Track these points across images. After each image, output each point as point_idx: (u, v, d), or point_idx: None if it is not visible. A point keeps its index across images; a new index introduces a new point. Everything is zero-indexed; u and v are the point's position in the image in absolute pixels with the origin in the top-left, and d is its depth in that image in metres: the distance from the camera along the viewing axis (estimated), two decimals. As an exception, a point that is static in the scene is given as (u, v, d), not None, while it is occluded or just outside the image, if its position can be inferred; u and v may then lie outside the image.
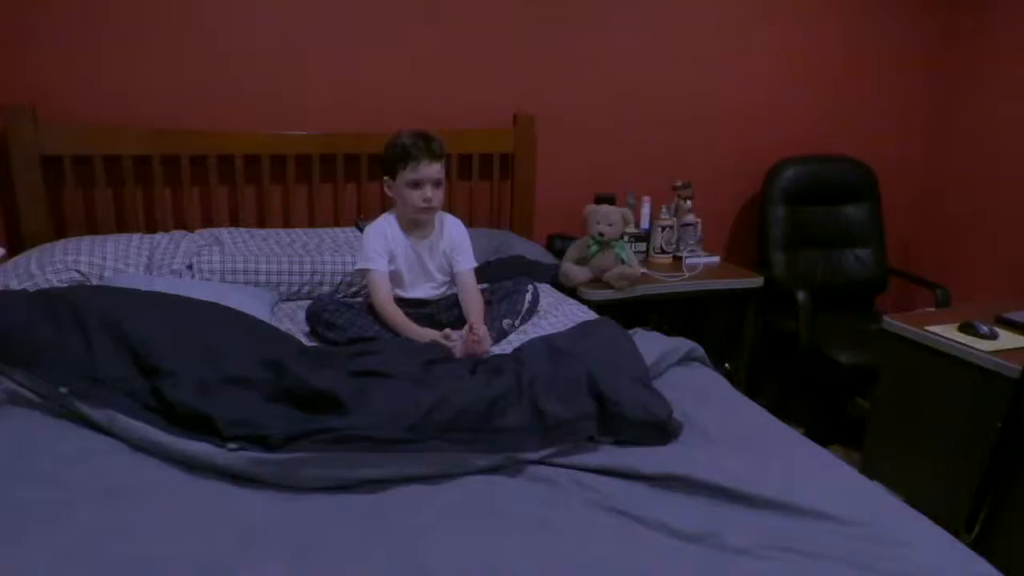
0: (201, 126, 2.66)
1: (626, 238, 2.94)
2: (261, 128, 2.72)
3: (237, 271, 2.37)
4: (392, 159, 2.18)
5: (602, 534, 1.31)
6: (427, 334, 2.08)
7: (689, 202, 3.17)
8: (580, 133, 3.20)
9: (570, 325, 2.16)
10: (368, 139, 2.78)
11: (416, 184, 2.16)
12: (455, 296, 2.31)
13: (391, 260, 2.23)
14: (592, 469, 1.51)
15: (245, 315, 1.96)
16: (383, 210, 2.36)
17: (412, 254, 2.26)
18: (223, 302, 1.98)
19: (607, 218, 2.75)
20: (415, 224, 2.25)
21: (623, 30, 3.15)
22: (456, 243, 2.30)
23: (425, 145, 2.15)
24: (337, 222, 2.89)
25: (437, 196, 2.19)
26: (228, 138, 2.65)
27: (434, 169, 2.16)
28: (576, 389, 1.66)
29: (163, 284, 2.14)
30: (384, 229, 2.24)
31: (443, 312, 2.28)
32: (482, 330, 2.04)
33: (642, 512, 1.37)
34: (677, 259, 3.16)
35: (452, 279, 2.33)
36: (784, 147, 3.47)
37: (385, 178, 2.23)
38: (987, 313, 2.39)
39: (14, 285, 2.13)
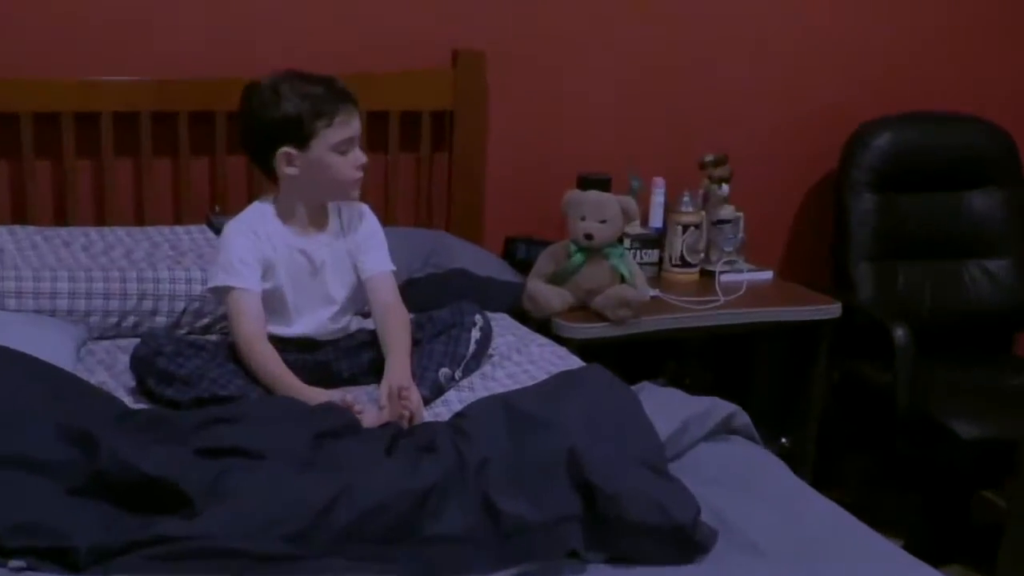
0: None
1: (627, 242, 2.96)
2: (61, 74, 2.71)
3: (24, 293, 2.36)
4: (296, 118, 2.15)
5: None
6: (319, 395, 2.07)
7: (725, 187, 3.19)
8: (555, 80, 3.22)
9: (541, 377, 2.18)
10: (230, 88, 2.73)
11: (346, 146, 2.18)
12: (364, 334, 2.32)
13: (267, 273, 2.22)
14: (577, 603, 1.52)
15: (36, 361, 1.95)
16: (250, 198, 2.35)
17: (300, 261, 2.25)
18: (2, 340, 1.97)
19: (598, 211, 2.76)
20: (313, 212, 2.26)
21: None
22: (364, 237, 2.32)
23: (341, 89, 2.20)
24: (178, 218, 2.89)
25: None
26: (4, 87, 2.64)
27: (358, 122, 2.22)
28: (550, 477, 1.67)
29: None
30: (254, 225, 2.23)
31: (344, 359, 2.29)
32: (414, 394, 2.05)
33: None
34: (707, 275, 3.18)
35: (359, 299, 2.34)
36: (871, 104, 3.48)
37: (284, 150, 2.18)
38: None
39: None
